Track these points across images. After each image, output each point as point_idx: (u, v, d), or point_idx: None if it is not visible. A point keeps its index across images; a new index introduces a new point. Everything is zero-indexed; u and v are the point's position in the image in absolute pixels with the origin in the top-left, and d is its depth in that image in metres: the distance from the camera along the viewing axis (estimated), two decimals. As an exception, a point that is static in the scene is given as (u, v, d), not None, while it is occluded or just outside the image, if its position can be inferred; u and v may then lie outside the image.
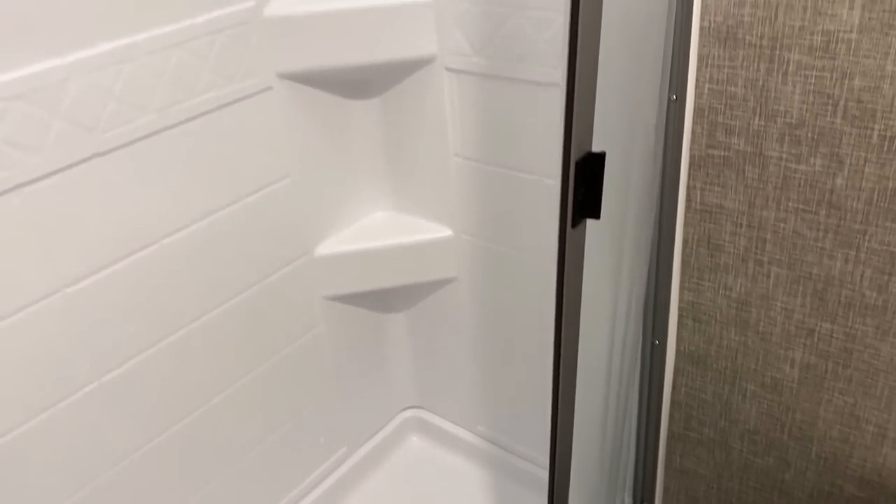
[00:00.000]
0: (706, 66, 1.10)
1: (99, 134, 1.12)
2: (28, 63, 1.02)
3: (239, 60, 1.29)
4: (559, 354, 0.97)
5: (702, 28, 1.07)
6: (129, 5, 1.11)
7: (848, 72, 0.98)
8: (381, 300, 1.72)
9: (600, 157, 0.87)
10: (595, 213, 0.90)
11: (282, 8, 1.32)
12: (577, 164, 0.86)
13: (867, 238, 1.06)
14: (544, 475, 1.14)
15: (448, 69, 1.39)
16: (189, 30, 1.20)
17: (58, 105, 1.06)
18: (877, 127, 0.99)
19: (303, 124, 1.44)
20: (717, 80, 1.09)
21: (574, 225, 0.89)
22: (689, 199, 1.20)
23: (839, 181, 1.05)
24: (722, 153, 1.13)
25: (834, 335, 1.15)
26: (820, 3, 0.96)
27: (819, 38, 0.99)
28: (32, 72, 1.03)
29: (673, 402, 1.39)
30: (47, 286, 1.11)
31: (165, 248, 1.27)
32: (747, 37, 1.04)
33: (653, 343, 1.34)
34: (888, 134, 0.99)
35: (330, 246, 1.56)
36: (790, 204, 1.10)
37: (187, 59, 1.21)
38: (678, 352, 1.33)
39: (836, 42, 0.97)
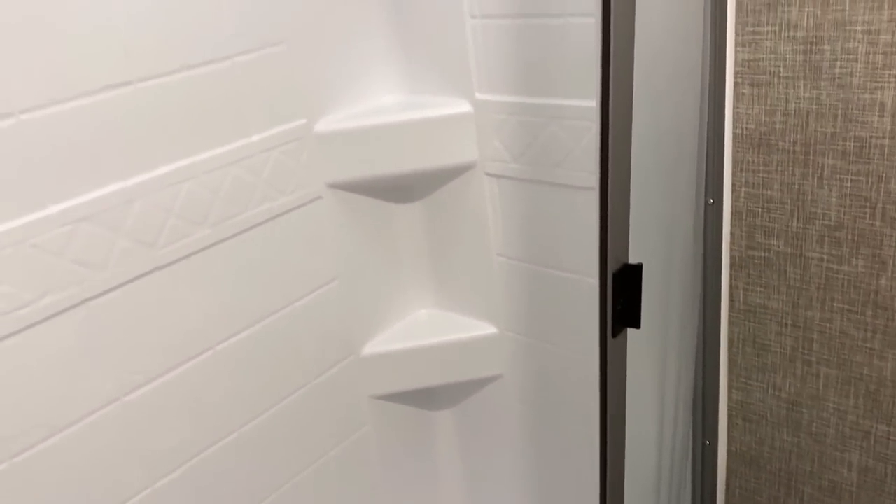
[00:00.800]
0: (741, 171, 1.12)
1: (159, 249, 1.18)
2: (96, 187, 1.10)
3: (290, 174, 1.36)
4: (605, 460, 0.97)
5: (735, 135, 1.10)
6: (190, 129, 1.19)
7: (884, 175, 1.00)
8: (428, 398, 1.73)
9: (637, 269, 0.89)
10: (636, 323, 0.91)
11: (331, 123, 1.39)
12: (615, 275, 0.88)
13: (917, 339, 1.04)
14: (595, 586, 1.11)
15: (488, 174, 1.44)
16: (245, 148, 1.28)
17: (122, 224, 1.13)
18: (917, 229, 0.99)
19: (350, 229, 1.49)
20: (753, 183, 1.11)
21: (615, 335, 0.91)
22: (732, 300, 1.20)
23: (883, 282, 1.04)
24: (762, 254, 1.14)
25: (891, 437, 1.12)
26: (850, 110, 0.99)
27: (852, 144, 1.00)
28: (99, 195, 1.10)
29: (727, 505, 1.35)
30: (106, 396, 1.16)
31: (219, 354, 1.31)
32: (780, 143, 1.07)
33: (703, 444, 1.31)
34: (930, 235, 0.99)
35: (376, 345, 1.59)
36: (835, 304, 1.10)
37: (242, 175, 1.28)
38: (730, 452, 1.31)
39: (870, 147, 0.99)
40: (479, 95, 1.39)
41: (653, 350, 1.11)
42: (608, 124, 0.99)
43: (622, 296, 0.89)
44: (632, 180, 0.99)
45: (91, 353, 1.13)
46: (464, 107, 1.41)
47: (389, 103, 1.49)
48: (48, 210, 1.06)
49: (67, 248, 1.08)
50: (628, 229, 0.89)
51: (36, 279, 1.06)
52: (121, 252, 1.14)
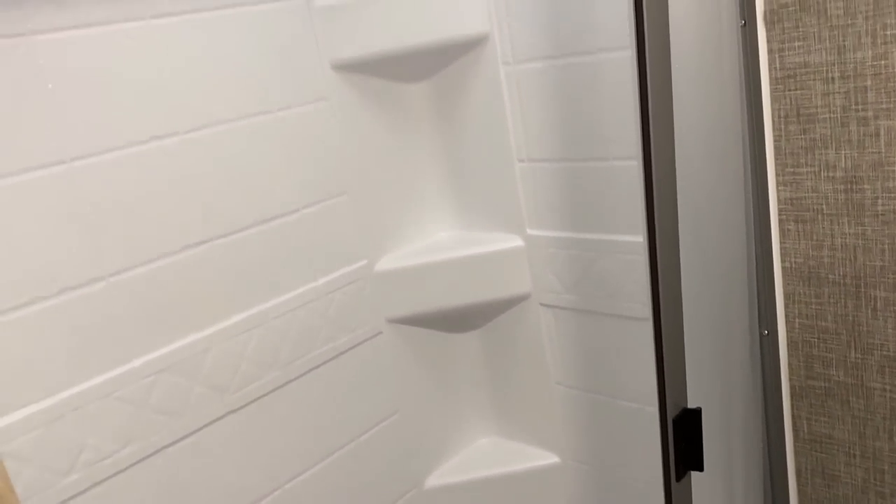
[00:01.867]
0: (794, 303, 1.14)
1: (232, 393, 1.25)
2: (175, 339, 1.18)
3: (352, 313, 1.42)
4: None
5: (784, 268, 1.13)
6: (262, 278, 1.28)
7: (938, 307, 1.01)
8: (492, 527, 1.72)
9: (697, 413, 0.90)
10: (699, 466, 0.92)
11: (390, 262, 1.47)
12: (675, 421, 0.89)
13: None
14: None
15: (543, 304, 1.48)
16: (310, 292, 1.35)
17: (198, 372, 1.20)
18: (980, 359, 0.99)
19: (409, 362, 1.54)
20: (807, 315, 1.13)
21: (678, 479, 0.91)
22: (796, 429, 1.19)
23: (951, 413, 1.03)
24: (823, 384, 1.14)
25: (978, 575, 1.08)
26: (897, 245, 1.01)
27: (902, 277, 1.02)
28: (178, 346, 1.18)
29: None
30: (182, 540, 1.20)
31: (287, 493, 1.34)
32: (830, 276, 1.09)
33: (779, 579, 1.27)
34: None
35: (439, 477, 1.60)
36: (903, 436, 1.08)
37: (308, 318, 1.35)
38: (808, 589, 1.26)
39: (921, 280, 1.01)
40: (530, 231, 1.45)
41: (719, 486, 1.10)
42: (656, 262, 1.03)
43: (684, 440, 0.90)
44: (685, 316, 1.02)
45: (165, 498, 1.18)
46: (516, 242, 1.47)
47: (444, 240, 1.56)
48: (132, 363, 1.13)
49: (149, 398, 1.15)
50: (685, 373, 0.91)
51: (119, 430, 1.12)
52: (197, 399, 1.20)
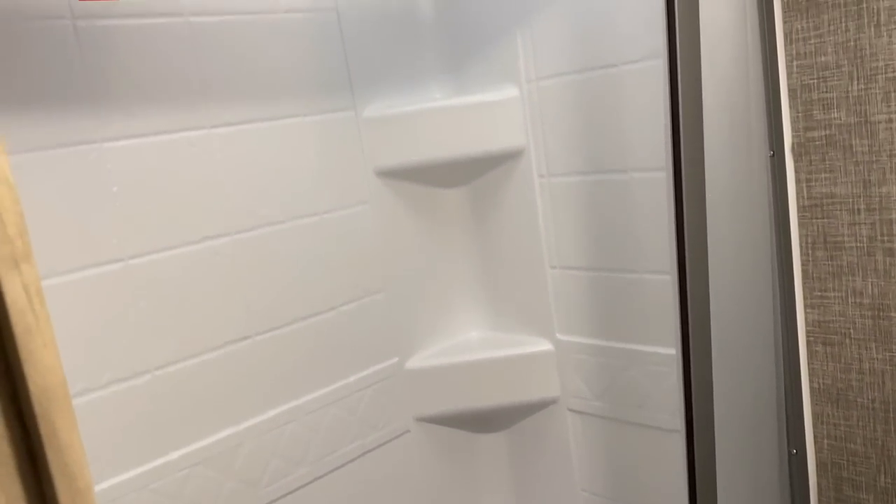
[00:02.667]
0: (822, 423, 1.15)
1: (262, 488, 1.26)
2: (212, 432, 1.21)
3: (382, 410, 1.45)
4: None
5: (812, 389, 1.14)
6: (297, 374, 1.31)
7: (968, 437, 1.01)
8: None
9: (726, 536, 0.91)
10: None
11: (421, 360, 1.50)
12: (704, 542, 0.90)
13: None
14: None
15: (571, 410, 1.50)
16: (343, 388, 1.38)
17: (230, 466, 1.22)
18: None
19: (436, 461, 1.55)
20: (836, 436, 1.14)
21: None
22: (825, 553, 1.18)
23: (984, 546, 1.02)
24: (853, 508, 1.14)
25: None
26: (925, 374, 1.03)
27: (931, 406, 1.03)
28: (214, 440, 1.21)
29: None
30: None
31: (308, 592, 1.34)
32: (859, 399, 1.10)
33: None
34: None
35: (460, 580, 1.58)
36: (936, 566, 1.07)
37: (339, 414, 1.37)
38: None
39: (950, 409, 1.02)
40: (559, 336, 1.48)
41: None
42: (690, 376, 1.06)
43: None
44: (716, 432, 1.04)
45: None
46: (545, 346, 1.50)
47: (475, 340, 1.59)
48: (169, 456, 1.16)
49: (182, 491, 1.17)
50: (716, 490, 0.92)
51: (152, 523, 1.14)
52: (228, 493, 1.22)
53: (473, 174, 1.51)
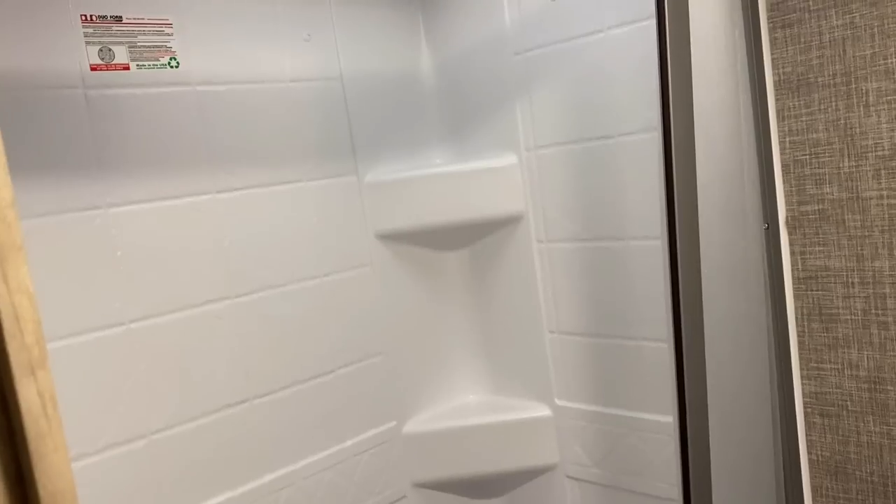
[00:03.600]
0: (821, 496, 1.14)
1: (255, 556, 1.25)
2: (207, 498, 1.20)
3: (379, 475, 1.44)
4: None
5: (811, 461, 1.14)
6: (295, 437, 1.31)
7: (968, 514, 1.01)
8: None
9: None
10: None
11: (419, 425, 1.49)
12: None
13: None
14: None
15: (569, 477, 1.49)
16: (340, 453, 1.37)
17: (225, 533, 1.21)
18: None
19: (433, 527, 1.53)
20: (836, 510, 1.13)
21: None
22: None
23: None
24: (854, 584, 1.12)
25: None
26: (923, 448, 1.02)
27: (930, 481, 1.03)
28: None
29: None
30: None
31: None
32: (857, 472, 1.10)
33: None
34: None
35: None
36: None
37: (336, 479, 1.36)
38: None
39: (949, 485, 1.01)
40: (558, 401, 1.48)
41: None
42: (687, 447, 1.05)
43: None
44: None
45: None
46: (544, 411, 1.49)
47: (473, 403, 1.59)
48: (163, 522, 1.15)
49: (176, 559, 1.15)
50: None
51: (144, 591, 1.12)
52: (222, 561, 1.20)
53: (473, 238, 1.53)
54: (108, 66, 1.12)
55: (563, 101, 1.35)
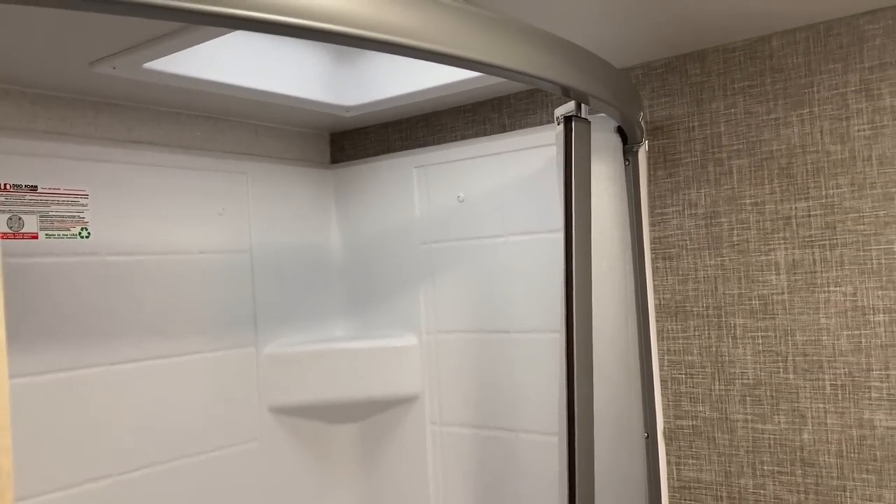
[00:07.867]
0: None
1: None
2: None
3: None
4: None
5: None
6: None
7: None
8: None
9: None
10: None
11: None
12: None
13: None
14: None
15: None
16: None
17: None
18: None
19: None
20: None
21: None
22: None
23: None
24: None
25: None
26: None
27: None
28: None
29: None
30: None
31: None
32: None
33: None
34: None
35: None
36: None
37: None
38: None
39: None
40: (439, 587, 1.46)
41: None
42: None
43: None
44: None
45: None
46: None
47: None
48: None
49: None
50: None
51: None
52: None
53: (366, 413, 1.54)
54: (16, 235, 1.11)
55: (465, 292, 1.43)
